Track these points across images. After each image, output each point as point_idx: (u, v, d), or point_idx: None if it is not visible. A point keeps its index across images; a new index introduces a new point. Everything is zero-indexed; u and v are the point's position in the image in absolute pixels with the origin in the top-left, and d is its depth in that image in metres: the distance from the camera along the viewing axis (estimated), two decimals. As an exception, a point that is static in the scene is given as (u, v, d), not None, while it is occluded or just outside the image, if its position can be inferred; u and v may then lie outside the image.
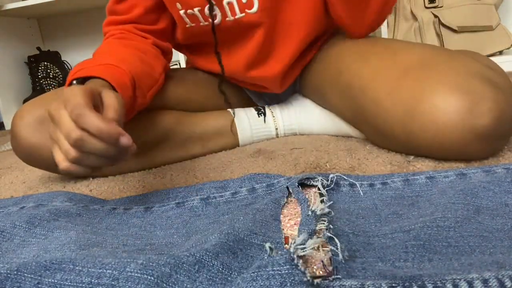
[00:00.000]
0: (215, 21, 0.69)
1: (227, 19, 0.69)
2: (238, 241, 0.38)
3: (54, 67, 2.00)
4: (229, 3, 0.67)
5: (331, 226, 0.39)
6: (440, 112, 0.52)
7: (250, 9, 0.68)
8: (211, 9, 0.66)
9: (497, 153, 0.57)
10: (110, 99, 0.46)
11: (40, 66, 1.96)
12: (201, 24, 0.70)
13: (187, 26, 0.72)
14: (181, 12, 0.69)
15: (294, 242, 0.34)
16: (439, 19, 1.41)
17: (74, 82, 0.57)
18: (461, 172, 0.50)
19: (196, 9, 0.68)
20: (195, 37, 0.78)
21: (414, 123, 0.54)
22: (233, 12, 0.68)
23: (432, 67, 0.55)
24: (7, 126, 1.82)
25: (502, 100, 0.51)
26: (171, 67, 1.76)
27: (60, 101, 0.44)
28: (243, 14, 0.68)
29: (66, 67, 2.09)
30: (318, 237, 0.37)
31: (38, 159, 0.71)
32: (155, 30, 0.76)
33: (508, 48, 1.43)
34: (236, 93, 0.88)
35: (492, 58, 1.23)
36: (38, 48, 2.00)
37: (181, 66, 1.72)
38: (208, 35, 0.72)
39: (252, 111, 0.86)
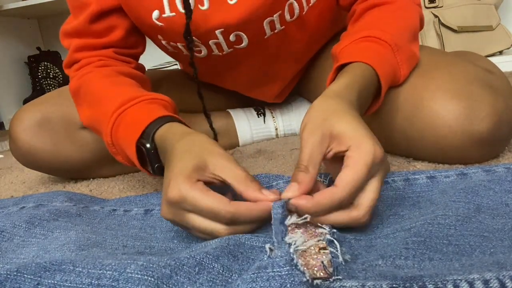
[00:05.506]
0: (200, 55, 0.65)
1: (213, 53, 0.65)
2: (239, 245, 0.37)
3: (54, 67, 2.00)
4: (216, 43, 0.63)
5: (334, 230, 0.38)
6: (439, 119, 0.52)
7: (239, 45, 0.64)
8: (191, 47, 0.59)
9: (497, 155, 0.56)
10: (230, 173, 0.41)
11: (40, 66, 1.96)
12: (184, 53, 0.66)
13: (169, 51, 0.68)
14: (163, 42, 0.64)
15: (294, 244, 0.34)
16: (439, 19, 1.41)
17: (148, 146, 0.50)
18: (462, 171, 0.50)
19: (179, 44, 0.63)
20: (176, 58, 0.76)
21: (414, 129, 0.54)
22: (221, 50, 0.64)
23: (430, 73, 0.55)
24: (7, 126, 1.82)
25: (500, 105, 0.51)
26: (171, 67, 1.76)
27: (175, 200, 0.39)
28: (231, 49, 0.64)
29: (66, 67, 2.09)
30: (318, 240, 0.37)
31: (37, 162, 0.71)
32: (136, 54, 0.70)
33: (508, 48, 1.43)
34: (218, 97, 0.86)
35: (492, 58, 1.23)
36: (38, 48, 2.00)
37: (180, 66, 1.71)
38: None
39: (251, 112, 0.85)
